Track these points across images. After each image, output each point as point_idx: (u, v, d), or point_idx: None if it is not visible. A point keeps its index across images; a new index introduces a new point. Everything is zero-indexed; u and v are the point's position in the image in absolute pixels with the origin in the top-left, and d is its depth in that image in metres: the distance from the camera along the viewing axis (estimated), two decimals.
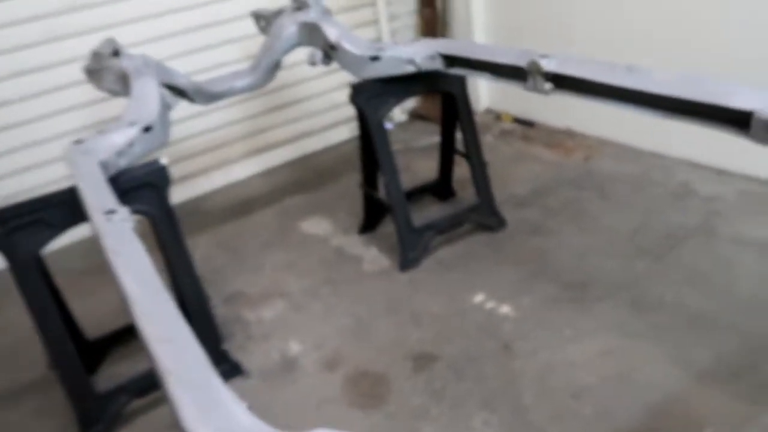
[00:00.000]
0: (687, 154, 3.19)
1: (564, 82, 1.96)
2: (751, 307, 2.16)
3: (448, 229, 2.80)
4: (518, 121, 4.19)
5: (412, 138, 4.25)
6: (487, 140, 3.92)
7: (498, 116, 4.33)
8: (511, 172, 3.47)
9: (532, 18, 3.87)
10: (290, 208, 3.52)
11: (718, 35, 2.87)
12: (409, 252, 2.70)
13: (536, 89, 2.04)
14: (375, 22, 4.29)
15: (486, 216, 2.86)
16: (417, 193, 3.18)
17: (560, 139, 3.82)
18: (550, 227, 2.86)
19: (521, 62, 2.05)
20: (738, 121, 1.51)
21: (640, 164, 3.29)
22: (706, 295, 2.25)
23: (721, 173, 3.04)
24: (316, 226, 3.26)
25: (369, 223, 3.05)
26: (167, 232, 2.07)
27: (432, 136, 4.08)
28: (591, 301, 2.33)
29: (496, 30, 4.20)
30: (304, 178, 3.89)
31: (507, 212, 2.96)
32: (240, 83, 2.73)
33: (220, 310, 2.58)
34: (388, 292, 2.60)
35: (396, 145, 4.08)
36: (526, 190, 3.25)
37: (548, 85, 2.01)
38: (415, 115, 4.62)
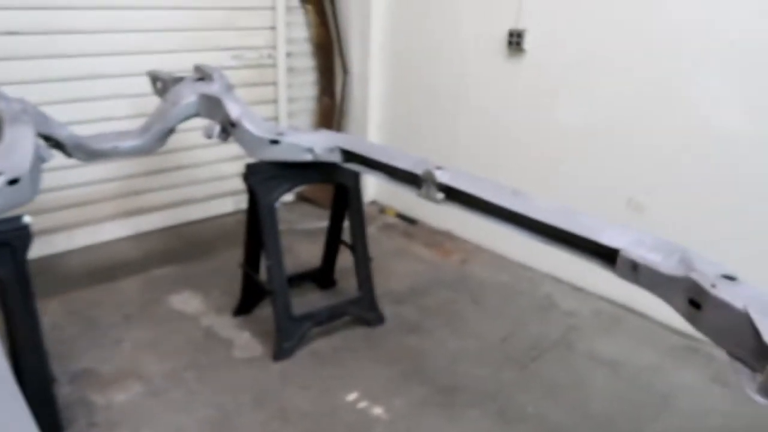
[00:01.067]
0: (551, 269, 3.47)
1: (455, 195, 2.07)
2: (602, 426, 2.30)
3: (327, 320, 2.75)
4: (401, 216, 4.34)
5: (296, 220, 4.23)
6: (370, 232, 3.97)
7: (382, 209, 4.46)
8: (392, 267, 3.54)
9: (422, 123, 4.12)
10: (159, 279, 3.29)
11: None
12: (285, 341, 2.60)
13: (428, 197, 2.13)
14: (274, 101, 4.33)
15: (366, 310, 2.86)
16: (298, 279, 3.12)
17: (440, 239, 3.99)
18: (426, 327, 2.91)
19: (417, 170, 2.15)
20: (606, 256, 1.67)
21: (510, 274, 3.51)
22: (563, 409, 2.38)
23: (578, 290, 3.32)
24: (186, 302, 3.06)
25: (245, 305, 2.93)
26: (17, 300, 1.83)
27: (317, 221, 4.11)
28: (461, 407, 2.36)
29: (389, 127, 4.40)
30: (177, 249, 3.68)
31: (385, 308, 2.99)
32: (126, 145, 2.58)
33: (63, 390, 2.29)
34: (257, 382, 2.47)
35: (280, 226, 4.07)
36: (405, 287, 3.32)
37: (440, 195, 2.11)
38: (301, 197, 4.62)
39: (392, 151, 2.36)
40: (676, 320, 2.75)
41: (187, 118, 2.67)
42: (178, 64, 3.59)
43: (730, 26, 2.58)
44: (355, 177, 2.76)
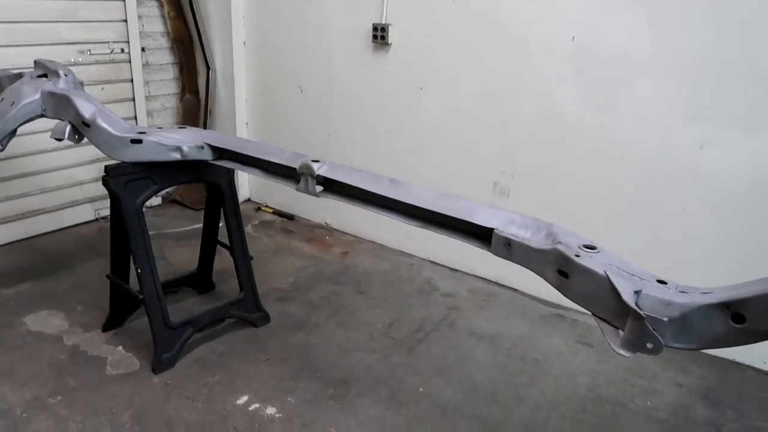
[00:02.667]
0: (429, 255, 3.60)
1: (334, 187, 2.07)
2: (487, 396, 2.43)
3: (209, 325, 2.63)
4: (278, 213, 4.26)
5: (166, 224, 4.00)
6: (247, 231, 3.86)
7: (258, 207, 4.36)
8: (273, 265, 3.47)
9: (293, 119, 4.07)
10: (10, 299, 2.96)
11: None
12: (165, 352, 2.45)
13: (307, 191, 2.11)
14: (131, 99, 4.05)
15: (249, 311, 2.78)
16: (173, 285, 2.96)
17: (319, 234, 3.98)
18: (313, 323, 2.89)
19: (294, 164, 2.12)
20: (481, 236, 1.76)
21: (391, 262, 3.59)
22: (451, 385, 2.48)
23: (455, 272, 3.48)
24: (45, 322, 2.78)
25: (115, 318, 2.72)
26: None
27: (188, 223, 3.93)
28: (353, 397, 2.38)
29: (259, 125, 4.30)
30: (29, 264, 3.34)
31: (270, 307, 2.93)
32: None
33: None
34: (137, 398, 2.30)
35: (149, 231, 3.82)
36: (288, 283, 3.27)
37: (319, 188, 2.09)
38: (169, 200, 4.38)
39: (266, 146, 2.31)
40: (544, 292, 2.98)
41: (30, 119, 2.42)
42: (17, 60, 3.26)
43: (569, 20, 2.82)
44: (228, 175, 2.67)
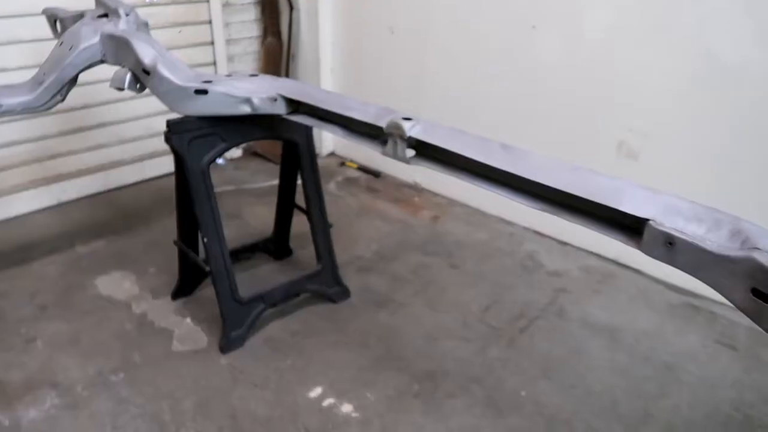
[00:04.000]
0: (532, 224, 3.12)
1: (429, 152, 1.66)
2: (606, 408, 2.00)
3: (282, 300, 2.35)
4: (363, 169, 3.91)
5: (246, 178, 3.76)
6: (329, 189, 3.58)
7: (342, 162, 4.02)
8: (356, 229, 3.14)
9: (382, 65, 3.64)
10: (84, 258, 2.82)
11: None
12: (233, 330, 2.20)
13: (396, 156, 1.71)
14: (210, 43, 3.76)
15: (327, 285, 2.47)
16: (248, 251, 2.70)
17: (407, 194, 3.59)
18: (398, 300, 2.55)
19: (380, 122, 1.72)
20: (629, 228, 1.30)
21: (488, 230, 3.15)
22: (561, 390, 2.07)
23: (564, 245, 3.00)
24: (116, 285, 2.62)
25: (185, 286, 2.51)
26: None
27: (269, 178, 3.66)
28: (442, 397, 2.03)
29: (345, 70, 3.91)
30: (106, 220, 3.20)
31: (350, 278, 2.61)
32: (11, 101, 2.06)
33: None
34: (202, 382, 2.07)
35: (227, 186, 3.60)
36: (372, 252, 2.93)
37: (410, 153, 1.69)
38: (251, 152, 4.14)
39: (348, 99, 1.91)
40: (673, 275, 2.42)
41: (91, 65, 2.15)
42: None
43: None
44: (306, 131, 2.32)
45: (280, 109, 2.05)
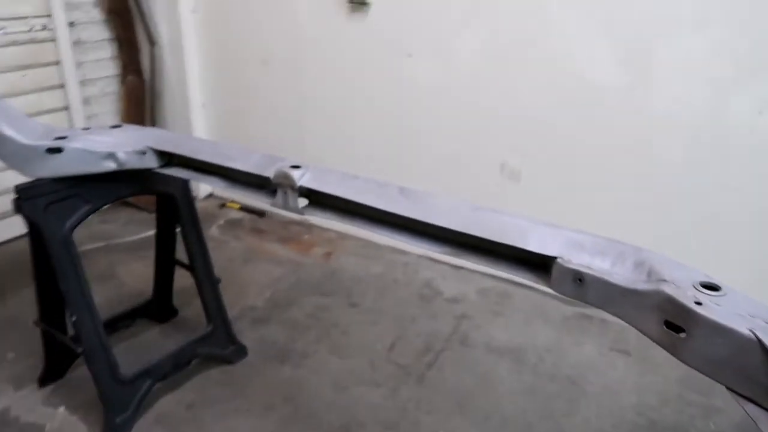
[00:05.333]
0: (425, 250, 3.11)
1: (323, 200, 1.56)
2: (520, 431, 2.00)
3: (172, 372, 2.12)
4: (246, 209, 3.72)
5: (116, 232, 3.43)
6: (211, 233, 3.36)
7: (223, 204, 3.80)
8: (244, 277, 2.95)
9: (257, 98, 3.50)
10: None
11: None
12: (117, 415, 1.94)
13: (287, 207, 1.59)
14: (61, 86, 3.41)
15: (221, 346, 2.28)
16: (126, 318, 2.42)
17: (296, 231, 3.46)
18: (300, 350, 2.40)
19: (267, 172, 1.59)
20: (536, 264, 1.28)
21: (383, 262, 3.10)
22: (477, 423, 2.04)
23: (458, 269, 3.01)
24: None
25: (53, 370, 2.19)
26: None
27: (143, 229, 3.36)
28: None
29: (216, 107, 3.72)
30: None
31: (245, 334, 2.44)
32: None
33: None
34: None
35: (95, 243, 3.25)
36: (265, 300, 2.76)
37: (302, 202, 1.58)
38: (120, 202, 3.78)
39: (226, 147, 1.77)
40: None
41: None
42: None
43: None
44: (182, 182, 2.13)
45: (151, 162, 1.85)
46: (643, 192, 2.48)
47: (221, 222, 3.56)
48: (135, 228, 3.45)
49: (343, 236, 3.37)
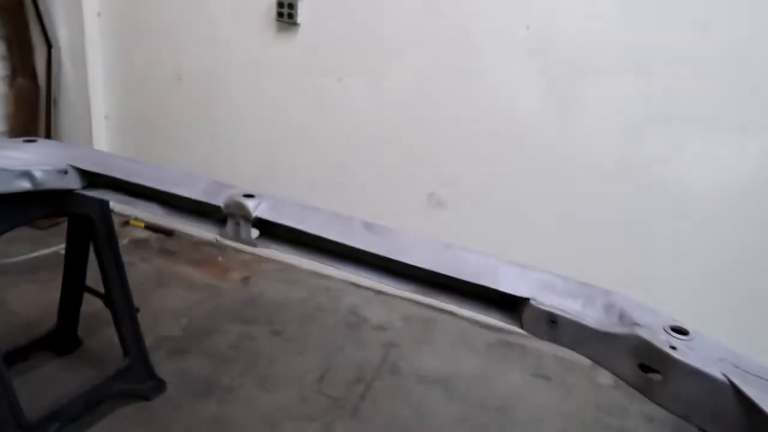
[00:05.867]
0: (348, 276, 3.07)
1: (278, 232, 1.48)
2: None
3: (83, 413, 1.90)
4: (152, 228, 3.47)
5: (1, 250, 3.05)
6: None
7: (126, 221, 3.53)
8: (157, 303, 2.74)
9: (169, 114, 3.30)
10: None
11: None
12: None
13: (239, 239, 1.48)
14: None
15: (138, 382, 2.09)
16: (23, 352, 2.15)
17: (209, 253, 3.28)
18: (224, 384, 2.26)
19: (217, 200, 1.49)
20: (506, 304, 1.29)
21: (305, 287, 3.02)
22: None
23: (381, 295, 3.00)
24: None
25: None
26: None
27: (34, 247, 3.03)
28: None
29: (122, 119, 3.46)
30: None
31: (161, 366, 2.25)
32: None
33: None
34: None
35: None
36: (181, 328, 2.58)
37: (255, 233, 1.50)
38: None
39: (168, 170, 1.63)
40: (481, 315, 2.57)
41: None
42: None
43: (525, 4, 2.43)
44: (101, 204, 1.94)
45: (73, 183, 1.67)
46: (564, 223, 2.61)
47: (125, 242, 3.29)
48: (23, 246, 3.08)
49: (259, 258, 3.25)
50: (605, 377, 2.51)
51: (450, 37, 2.56)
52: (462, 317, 2.86)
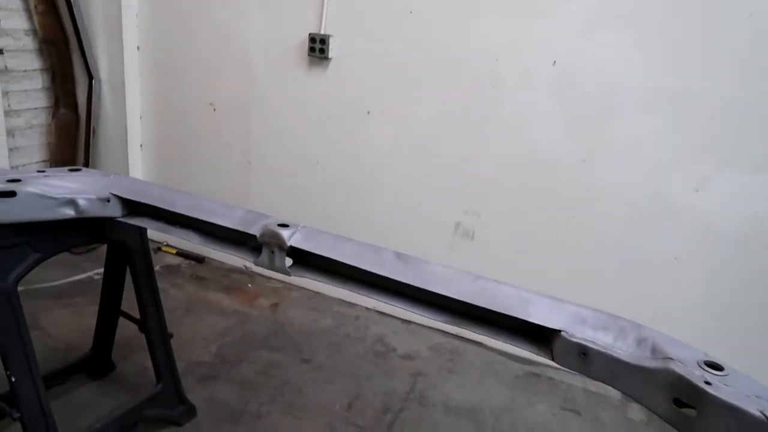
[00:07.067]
0: (374, 304, 3.09)
1: (312, 261, 1.52)
2: None
3: None
4: (184, 255, 3.54)
5: (36, 274, 3.12)
6: None
7: (158, 248, 3.60)
8: (187, 328, 2.79)
9: (202, 143, 3.39)
10: None
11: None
12: None
13: (273, 267, 1.53)
14: None
15: (170, 407, 2.11)
16: (60, 377, 2.21)
17: (239, 280, 3.33)
18: (253, 411, 2.28)
19: (252, 230, 1.53)
20: (536, 336, 1.30)
21: (332, 315, 3.04)
22: None
23: (408, 324, 3.01)
24: None
25: None
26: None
27: (69, 272, 3.11)
28: None
29: (157, 149, 3.57)
30: None
31: (192, 391, 2.28)
32: None
33: None
34: None
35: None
36: (211, 354, 2.62)
37: (289, 262, 1.53)
38: None
39: (203, 200, 1.69)
40: (509, 346, 2.58)
41: None
42: None
43: (550, 42, 2.46)
44: (140, 231, 2.00)
45: (114, 211, 1.73)
46: (586, 259, 2.60)
47: (158, 268, 3.34)
48: (58, 272, 3.17)
49: (288, 287, 3.28)
50: (636, 412, 2.47)
51: (475, 73, 2.60)
52: (489, 348, 2.85)
